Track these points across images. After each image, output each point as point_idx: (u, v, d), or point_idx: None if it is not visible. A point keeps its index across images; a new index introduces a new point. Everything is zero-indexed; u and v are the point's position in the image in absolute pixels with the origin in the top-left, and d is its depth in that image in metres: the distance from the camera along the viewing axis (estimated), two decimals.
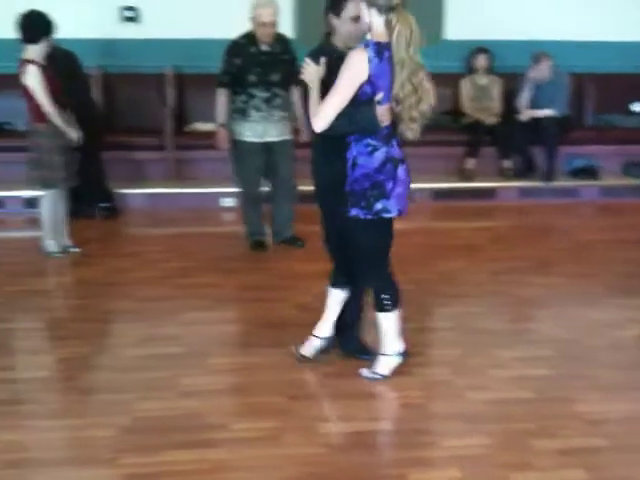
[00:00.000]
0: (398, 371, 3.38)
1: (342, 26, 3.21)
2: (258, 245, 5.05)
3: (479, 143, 6.59)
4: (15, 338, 3.91)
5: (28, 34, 4.66)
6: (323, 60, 3.09)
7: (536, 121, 6.55)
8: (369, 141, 3.05)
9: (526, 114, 6.60)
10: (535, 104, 6.61)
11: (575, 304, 4.31)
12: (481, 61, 6.79)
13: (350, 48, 3.07)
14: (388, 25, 2.93)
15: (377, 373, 3.31)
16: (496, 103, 6.82)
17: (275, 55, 4.83)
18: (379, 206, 3.08)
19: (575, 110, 6.96)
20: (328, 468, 2.70)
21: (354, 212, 3.11)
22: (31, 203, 5.61)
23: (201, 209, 6.07)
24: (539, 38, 6.86)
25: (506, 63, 6.92)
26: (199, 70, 6.44)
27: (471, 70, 6.85)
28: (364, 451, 2.86)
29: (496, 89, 6.83)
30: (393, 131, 3.08)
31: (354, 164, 3.08)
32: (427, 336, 3.93)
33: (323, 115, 2.97)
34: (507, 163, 6.65)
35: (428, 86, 3.06)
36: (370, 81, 2.95)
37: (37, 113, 4.73)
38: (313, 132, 3.14)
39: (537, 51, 6.55)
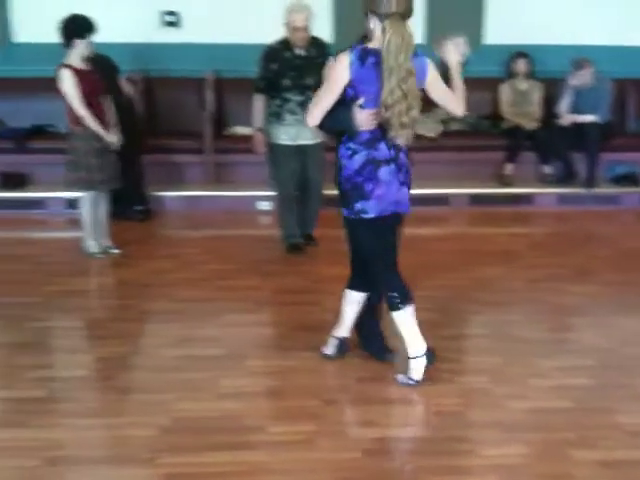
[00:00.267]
0: (435, 378, 3.37)
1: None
2: (294, 248, 5.08)
3: (518, 148, 6.53)
4: (55, 337, 3.98)
5: (64, 38, 4.76)
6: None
7: (577, 127, 6.47)
8: (350, 144, 3.16)
9: (567, 119, 6.53)
10: (576, 110, 6.53)
11: (615, 313, 4.24)
12: (521, 66, 6.73)
13: None
14: (382, 32, 3.01)
15: (411, 378, 3.30)
16: (536, 108, 6.75)
17: (310, 59, 4.85)
18: (358, 206, 3.17)
19: (617, 116, 6.86)
20: (362, 474, 2.71)
21: (344, 212, 3.26)
22: (73, 204, 5.71)
23: (238, 212, 6.12)
24: (580, 43, 6.79)
25: (546, 68, 6.84)
26: (238, 74, 6.49)
27: (511, 75, 6.79)
28: (399, 458, 2.86)
29: (536, 94, 6.76)
30: (382, 135, 3.12)
31: (341, 166, 3.20)
32: (463, 343, 3.90)
33: (310, 113, 3.17)
34: (547, 169, 6.58)
35: (417, 92, 3.09)
36: (352, 84, 3.06)
37: (73, 116, 4.82)
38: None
39: (578, 57, 6.48)
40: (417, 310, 4.07)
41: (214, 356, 3.60)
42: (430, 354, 3.33)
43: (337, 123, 3.17)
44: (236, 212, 6.11)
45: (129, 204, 5.87)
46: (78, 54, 4.78)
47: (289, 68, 4.84)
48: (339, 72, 3.07)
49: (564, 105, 6.57)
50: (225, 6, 6.67)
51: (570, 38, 6.87)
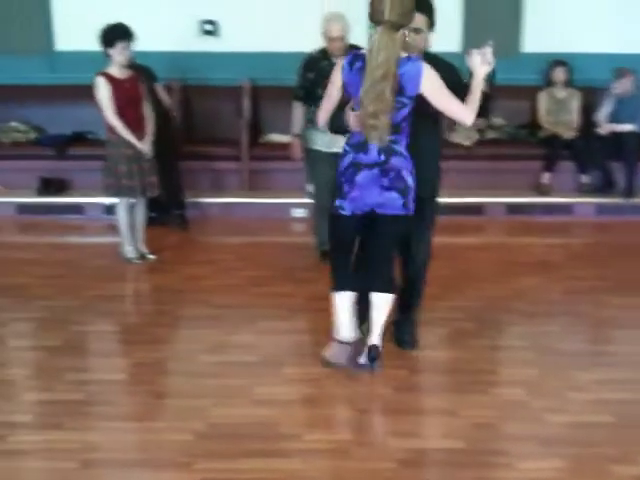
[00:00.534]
0: (471, 389, 3.35)
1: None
2: (328, 255, 5.06)
3: (556, 157, 6.46)
4: (93, 340, 4.04)
5: (102, 46, 4.83)
6: None
7: (616, 136, 6.39)
8: (345, 146, 3.37)
9: (606, 128, 6.44)
10: (616, 119, 6.44)
11: None
12: (559, 74, 6.66)
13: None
14: (369, 38, 3.16)
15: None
16: (574, 117, 6.68)
17: None
18: (337, 202, 3.39)
19: None
20: None
21: None
22: (110, 210, 5.78)
23: (273, 219, 6.15)
24: (618, 51, 6.70)
25: (584, 76, 6.76)
26: (274, 82, 6.53)
27: (549, 83, 6.73)
28: (434, 469, 2.84)
29: (574, 102, 6.68)
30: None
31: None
32: (500, 355, 3.86)
33: (318, 114, 3.50)
34: (585, 178, 6.49)
35: (389, 97, 3.13)
36: (345, 87, 3.29)
37: (108, 123, 4.90)
38: None
39: (619, 66, 6.40)
40: (452, 320, 4.13)
41: (249, 362, 3.62)
42: (372, 355, 3.39)
43: (337, 124, 3.39)
44: (271, 219, 6.14)
45: (167, 210, 5.93)
46: (115, 62, 4.85)
47: (324, 77, 4.83)
48: (334, 76, 3.33)
49: (603, 114, 6.49)
50: (262, 15, 6.71)
51: (608, 46, 6.78)
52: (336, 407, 3.29)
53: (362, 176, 3.27)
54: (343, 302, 3.45)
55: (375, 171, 3.26)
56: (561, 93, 6.70)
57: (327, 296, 4.07)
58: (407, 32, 3.17)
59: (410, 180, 3.30)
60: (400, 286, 3.76)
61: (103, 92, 4.81)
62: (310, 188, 5.15)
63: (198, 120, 6.75)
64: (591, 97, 6.62)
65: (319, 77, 4.84)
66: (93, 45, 4.91)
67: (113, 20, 4.87)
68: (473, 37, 6.88)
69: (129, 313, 4.46)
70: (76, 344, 3.89)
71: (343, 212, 3.36)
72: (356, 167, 3.28)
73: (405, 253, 3.67)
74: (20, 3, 6.76)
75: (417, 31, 3.29)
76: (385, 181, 3.26)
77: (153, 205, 5.55)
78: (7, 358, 3.79)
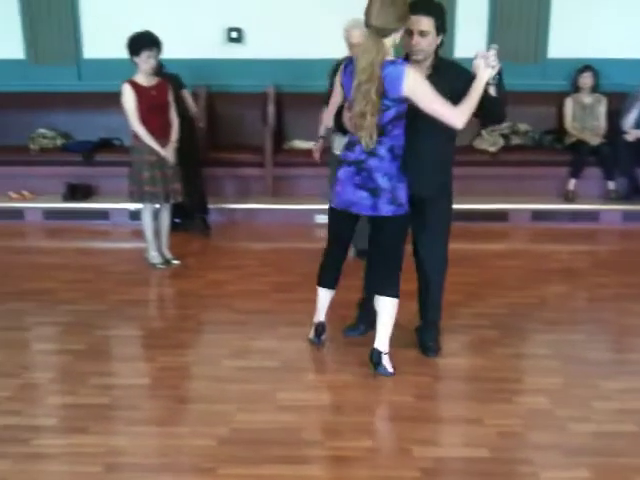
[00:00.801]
0: (495, 398, 3.33)
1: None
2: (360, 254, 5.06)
3: (582, 164, 6.40)
4: (117, 345, 4.07)
5: (129, 55, 4.89)
6: None
7: None
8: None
9: (633, 135, 6.37)
10: None
11: None
12: (586, 79, 6.61)
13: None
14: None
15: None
16: (601, 123, 6.61)
17: None
18: (330, 195, 3.58)
19: None
20: None
21: None
22: (135, 215, 5.84)
23: (297, 225, 6.16)
24: None
25: (611, 81, 6.70)
26: (298, 89, 6.55)
27: (576, 89, 6.68)
28: (458, 478, 2.82)
29: (601, 108, 6.62)
30: (359, 139, 3.32)
31: None
32: (524, 363, 3.82)
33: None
34: (612, 185, 6.42)
35: (373, 98, 3.19)
36: (342, 89, 3.45)
37: (132, 130, 4.95)
38: None
39: None
40: (476, 327, 4.11)
41: (272, 368, 3.63)
42: (373, 359, 3.52)
43: (338, 124, 3.60)
44: (295, 225, 6.15)
45: (190, 216, 5.96)
46: (140, 70, 4.90)
47: None
48: (337, 79, 3.61)
49: (630, 120, 6.41)
50: (286, 22, 6.74)
51: (635, 52, 6.73)
52: (358, 414, 3.28)
53: (342, 172, 3.44)
54: (320, 293, 3.81)
55: (352, 168, 3.38)
56: (588, 99, 6.64)
57: (350, 302, 4.09)
58: (399, 36, 3.23)
59: (383, 182, 3.33)
60: (418, 292, 3.79)
61: (128, 99, 4.86)
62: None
63: (222, 126, 6.79)
64: (618, 103, 6.54)
65: None
66: (120, 53, 4.97)
67: (140, 28, 4.93)
68: (499, 43, 6.82)
69: (153, 318, 4.49)
70: (101, 348, 3.93)
71: (332, 204, 3.56)
72: (341, 163, 3.48)
73: (416, 257, 3.70)
74: (49, 13, 6.86)
75: (423, 34, 3.31)
76: (357, 179, 3.37)
77: (177, 211, 5.60)
78: (32, 362, 3.84)
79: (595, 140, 6.43)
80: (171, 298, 4.90)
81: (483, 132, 6.63)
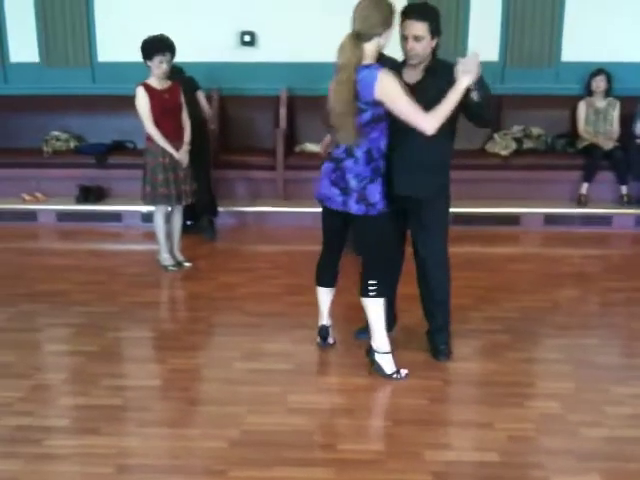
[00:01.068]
0: (507, 402, 3.32)
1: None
2: None
3: (595, 167, 6.37)
4: (129, 346, 4.08)
5: (143, 58, 4.91)
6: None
7: None
8: None
9: None
10: None
11: None
12: (599, 83, 6.58)
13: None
14: None
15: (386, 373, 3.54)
16: (614, 127, 6.59)
17: None
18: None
19: None
20: None
21: None
22: (148, 217, 5.87)
23: (308, 227, 6.15)
24: None
25: (624, 85, 6.68)
26: (310, 92, 6.56)
27: (589, 92, 6.65)
28: None
29: (614, 112, 6.60)
30: None
31: None
32: (536, 367, 3.81)
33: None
34: (624, 189, 6.39)
35: (343, 98, 3.26)
36: None
37: (146, 132, 4.98)
38: None
39: None
40: (488, 332, 4.10)
41: (283, 370, 3.63)
42: (370, 357, 3.58)
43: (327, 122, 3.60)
44: (306, 228, 6.15)
45: (197, 218, 5.96)
46: (153, 74, 4.93)
47: None
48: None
49: None
50: (299, 26, 6.76)
51: None
52: (370, 417, 3.29)
53: (324, 166, 3.53)
54: (319, 294, 3.84)
55: (332, 165, 3.47)
56: (601, 103, 6.61)
57: (360, 305, 4.08)
58: (383, 40, 3.28)
59: (353, 183, 3.38)
60: (420, 295, 3.81)
61: (142, 102, 4.89)
62: None
63: (234, 129, 6.82)
64: (631, 107, 6.51)
65: None
66: (134, 57, 5.00)
67: (154, 32, 4.95)
68: (512, 46, 6.85)
69: (165, 320, 4.50)
70: (112, 350, 3.94)
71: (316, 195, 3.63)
72: (326, 158, 3.57)
73: (417, 258, 3.72)
74: (63, 16, 6.91)
75: (417, 39, 3.35)
76: (333, 176, 3.45)
77: (189, 213, 5.62)
78: (44, 363, 3.87)
79: (608, 144, 6.40)
80: (182, 300, 4.91)
81: (495, 135, 6.62)
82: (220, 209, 6.17)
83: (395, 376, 3.52)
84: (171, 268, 5.16)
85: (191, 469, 2.84)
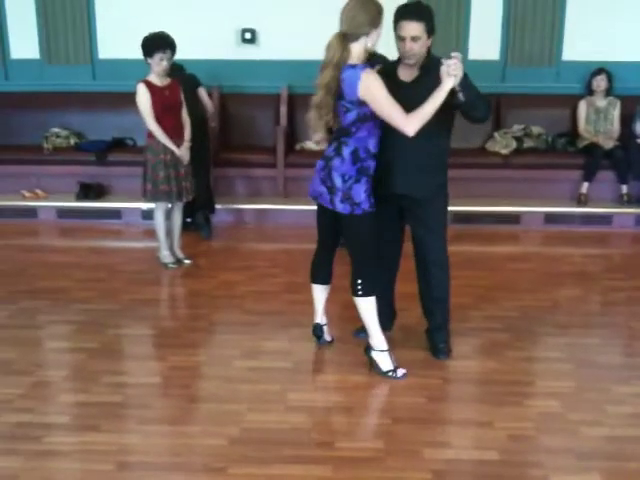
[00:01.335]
0: (507, 401, 3.32)
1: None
2: None
3: (595, 167, 6.37)
4: (129, 344, 4.08)
5: (143, 56, 4.91)
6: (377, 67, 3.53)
7: None
8: None
9: None
10: None
11: None
12: (600, 82, 6.57)
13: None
14: None
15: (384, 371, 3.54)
16: (615, 126, 6.59)
17: None
18: None
19: None
20: None
21: None
22: (148, 215, 5.86)
23: (308, 226, 6.13)
24: None
25: (625, 85, 6.68)
26: (311, 90, 6.51)
27: (590, 92, 6.65)
28: None
29: (615, 111, 6.59)
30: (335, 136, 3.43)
31: None
32: (536, 366, 3.81)
33: None
34: (625, 188, 6.39)
35: (322, 101, 3.32)
36: None
37: (147, 129, 4.98)
38: None
39: None
40: (488, 330, 4.10)
41: (283, 369, 3.63)
42: (367, 354, 3.58)
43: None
44: (306, 226, 6.12)
45: (193, 215, 5.94)
46: (153, 71, 4.92)
47: None
48: None
49: None
50: (300, 24, 6.75)
51: None
52: (369, 415, 3.29)
53: (318, 163, 3.52)
54: (314, 291, 3.83)
55: (322, 163, 3.47)
56: (601, 102, 6.61)
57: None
58: (371, 40, 3.28)
59: (337, 182, 3.39)
60: (419, 294, 3.82)
61: (143, 99, 4.89)
62: None
63: (235, 127, 6.81)
64: (632, 106, 6.51)
65: None
66: (135, 54, 4.99)
67: (154, 29, 4.95)
68: (513, 46, 6.84)
69: (165, 317, 4.50)
70: (113, 347, 3.95)
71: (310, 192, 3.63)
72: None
73: (417, 256, 3.72)
74: (64, 13, 6.90)
75: (415, 39, 3.34)
76: (322, 174, 3.46)
77: (189, 210, 5.61)
78: (45, 360, 3.87)
79: (608, 143, 6.40)
80: (182, 298, 4.91)
81: (495, 134, 6.62)
82: (220, 207, 6.18)
83: (391, 374, 3.52)
84: (171, 265, 5.16)
85: (191, 466, 2.84)
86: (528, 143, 6.62)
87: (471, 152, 6.47)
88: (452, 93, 3.25)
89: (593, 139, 6.46)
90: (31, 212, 6.40)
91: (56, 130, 6.75)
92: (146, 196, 5.10)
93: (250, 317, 4.30)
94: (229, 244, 5.83)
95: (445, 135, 3.57)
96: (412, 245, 3.73)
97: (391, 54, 3.79)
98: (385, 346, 3.56)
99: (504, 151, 6.49)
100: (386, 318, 3.76)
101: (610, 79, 6.59)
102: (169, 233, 5.23)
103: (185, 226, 5.52)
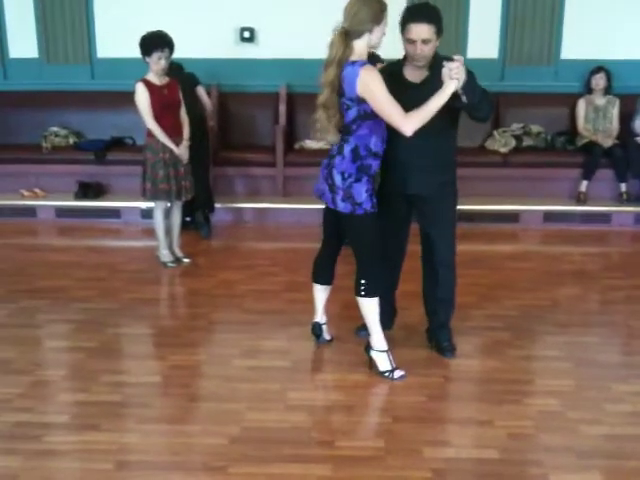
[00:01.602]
0: (506, 399, 3.32)
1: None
2: None
3: (595, 165, 6.37)
4: (129, 343, 4.08)
5: (141, 55, 4.91)
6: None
7: None
8: None
9: None
10: None
11: None
12: (599, 80, 6.58)
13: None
14: None
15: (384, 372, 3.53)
16: (614, 124, 6.59)
17: None
18: None
19: None
20: None
21: None
22: (147, 214, 5.86)
23: (308, 225, 6.15)
24: None
25: (624, 83, 6.68)
26: (310, 89, 6.52)
27: (588, 90, 6.65)
28: (469, 478, 2.81)
29: (614, 110, 6.60)
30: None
31: None
32: (536, 365, 3.81)
33: None
34: (624, 187, 6.39)
35: (325, 100, 3.31)
36: None
37: (146, 128, 4.98)
38: None
39: None
40: (488, 329, 4.11)
41: (283, 368, 3.63)
42: (366, 352, 3.59)
43: None
44: (305, 225, 6.15)
45: (192, 214, 5.94)
46: (151, 70, 4.92)
47: None
48: None
49: (639, 122, 6.40)
50: (299, 22, 6.74)
51: None
52: (369, 414, 3.29)
53: (323, 162, 3.51)
54: (315, 291, 3.83)
55: (325, 160, 3.48)
56: (600, 100, 6.62)
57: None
58: (374, 37, 3.26)
59: (337, 180, 3.38)
60: (423, 293, 3.82)
61: (142, 98, 4.88)
62: None
63: (234, 126, 6.81)
64: (631, 105, 6.52)
65: None
66: (133, 53, 4.99)
67: (153, 28, 4.94)
68: (512, 44, 6.84)
69: (164, 316, 4.50)
70: (112, 346, 3.94)
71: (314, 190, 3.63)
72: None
73: (424, 254, 3.72)
74: (63, 12, 6.90)
75: (425, 42, 3.32)
76: (325, 172, 3.47)
77: (187, 209, 5.61)
78: (44, 359, 3.86)
79: (607, 142, 6.40)
80: (182, 297, 4.91)
81: (495, 133, 6.62)
82: (220, 206, 6.18)
83: (388, 375, 3.51)
84: (170, 264, 5.16)
85: (191, 465, 2.84)
86: (527, 142, 6.62)
87: (471, 151, 6.47)
88: (454, 95, 3.24)
89: (592, 137, 6.47)
90: (30, 211, 6.40)
91: (55, 129, 6.74)
92: (145, 195, 5.10)
93: (250, 316, 4.29)
94: (228, 243, 5.83)
95: (452, 133, 3.57)
96: (420, 244, 3.71)
97: (393, 54, 3.77)
98: (385, 347, 3.55)
99: (503, 150, 6.50)
100: (387, 317, 3.76)
101: (609, 77, 6.60)
102: (168, 232, 5.23)
103: (184, 225, 5.53)
